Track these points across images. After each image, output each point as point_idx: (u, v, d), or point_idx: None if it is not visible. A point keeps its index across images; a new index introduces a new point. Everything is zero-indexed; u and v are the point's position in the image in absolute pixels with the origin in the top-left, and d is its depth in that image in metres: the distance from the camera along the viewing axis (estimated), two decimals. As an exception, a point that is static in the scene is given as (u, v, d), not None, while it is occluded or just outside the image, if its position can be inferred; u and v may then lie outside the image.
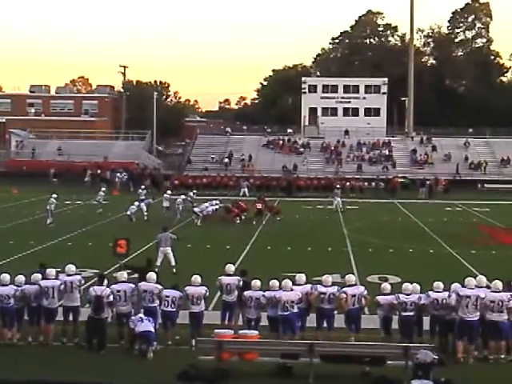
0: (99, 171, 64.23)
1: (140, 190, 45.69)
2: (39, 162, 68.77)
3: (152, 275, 16.93)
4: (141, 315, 15.95)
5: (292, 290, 16.20)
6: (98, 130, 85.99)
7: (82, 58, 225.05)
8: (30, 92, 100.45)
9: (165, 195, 42.66)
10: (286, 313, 15.94)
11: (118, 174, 62.90)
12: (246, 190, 56.69)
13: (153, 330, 15.71)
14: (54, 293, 16.61)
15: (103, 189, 45.93)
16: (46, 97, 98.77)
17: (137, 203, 39.45)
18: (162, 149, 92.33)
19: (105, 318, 16.28)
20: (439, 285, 16.31)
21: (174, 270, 24.35)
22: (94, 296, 16.29)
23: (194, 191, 46.36)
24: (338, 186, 51.28)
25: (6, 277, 16.75)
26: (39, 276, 16.99)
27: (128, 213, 38.10)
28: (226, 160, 69.63)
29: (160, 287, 16.66)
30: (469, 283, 16.01)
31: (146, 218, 39.36)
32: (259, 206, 40.01)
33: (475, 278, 16.65)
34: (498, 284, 16.06)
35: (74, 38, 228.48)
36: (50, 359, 15.58)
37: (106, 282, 16.92)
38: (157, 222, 35.20)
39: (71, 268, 17.23)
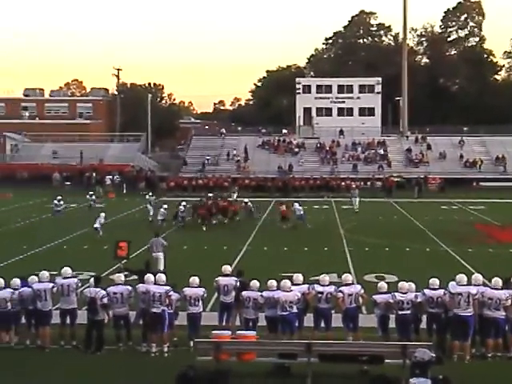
0: (94, 174, 64.09)
1: (88, 197, 44.78)
2: (35, 166, 68.57)
3: (150, 277, 16.87)
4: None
5: (291, 290, 16.21)
6: (92, 133, 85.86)
7: (76, 61, 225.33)
8: (24, 95, 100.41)
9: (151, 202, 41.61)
10: (285, 313, 15.95)
11: (110, 177, 62.84)
12: (235, 194, 52.62)
13: (165, 315, 16.05)
14: (47, 295, 16.61)
15: (91, 192, 45.64)
16: (40, 100, 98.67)
17: (103, 214, 35.07)
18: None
19: (101, 319, 16.27)
20: (435, 281, 16.31)
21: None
22: (89, 298, 16.34)
23: (151, 194, 44.59)
24: (355, 186, 51.33)
25: (1, 281, 16.79)
26: (35, 279, 16.99)
27: (97, 226, 33.95)
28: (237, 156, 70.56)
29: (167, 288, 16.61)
30: (460, 280, 16.04)
31: (150, 219, 39.53)
32: (283, 208, 38.75)
33: (471, 275, 16.69)
34: (498, 281, 16.08)
35: (67, 41, 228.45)
36: (47, 362, 15.57)
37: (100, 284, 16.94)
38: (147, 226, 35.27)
39: (67, 271, 17.20)
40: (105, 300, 16.26)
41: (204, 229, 37.22)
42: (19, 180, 64.75)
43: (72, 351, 16.29)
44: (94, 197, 44.42)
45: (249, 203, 41.77)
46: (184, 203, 39.13)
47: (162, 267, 24.34)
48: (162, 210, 37.62)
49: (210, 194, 42.94)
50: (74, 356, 15.98)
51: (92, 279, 17.31)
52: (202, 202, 40.17)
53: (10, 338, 16.46)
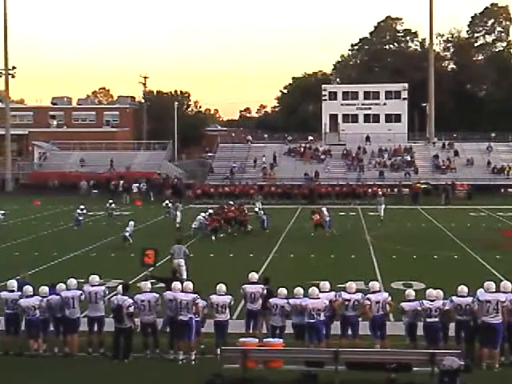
0: (121, 182, 64.37)
1: (107, 205, 45.01)
2: (63, 174, 69.15)
3: (177, 284, 16.88)
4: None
5: (318, 297, 16.17)
6: (119, 141, 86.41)
7: (103, 69, 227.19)
8: (52, 104, 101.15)
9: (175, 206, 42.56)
10: (313, 320, 15.90)
11: (137, 185, 63.23)
12: (259, 203, 48.65)
13: (192, 322, 16.03)
14: (75, 303, 16.70)
15: (111, 201, 46.31)
16: (67, 108, 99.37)
17: (132, 223, 35.43)
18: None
19: (128, 327, 16.32)
20: (463, 288, 16.17)
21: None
22: (115, 305, 16.42)
23: (171, 202, 45.02)
24: (381, 193, 51.21)
25: (29, 288, 16.89)
26: (63, 286, 17.09)
27: (126, 234, 34.36)
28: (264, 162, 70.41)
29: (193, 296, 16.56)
30: (489, 287, 15.88)
31: (178, 225, 39.71)
32: (316, 217, 38.12)
33: (500, 283, 16.52)
34: (527, 289, 15.90)
35: (94, 49, 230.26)
36: (75, 370, 15.63)
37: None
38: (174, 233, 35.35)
39: (95, 278, 17.28)
40: (131, 309, 16.29)
41: (213, 238, 36.27)
42: (47, 188, 65.37)
43: (100, 359, 16.35)
44: (113, 205, 44.59)
45: (260, 212, 40.85)
46: (211, 211, 39.19)
47: (184, 275, 23.95)
48: (199, 217, 37.71)
49: (231, 202, 42.87)
50: (102, 363, 16.04)
51: (120, 287, 17.37)
52: (220, 209, 40.17)
53: (39, 346, 16.55)
